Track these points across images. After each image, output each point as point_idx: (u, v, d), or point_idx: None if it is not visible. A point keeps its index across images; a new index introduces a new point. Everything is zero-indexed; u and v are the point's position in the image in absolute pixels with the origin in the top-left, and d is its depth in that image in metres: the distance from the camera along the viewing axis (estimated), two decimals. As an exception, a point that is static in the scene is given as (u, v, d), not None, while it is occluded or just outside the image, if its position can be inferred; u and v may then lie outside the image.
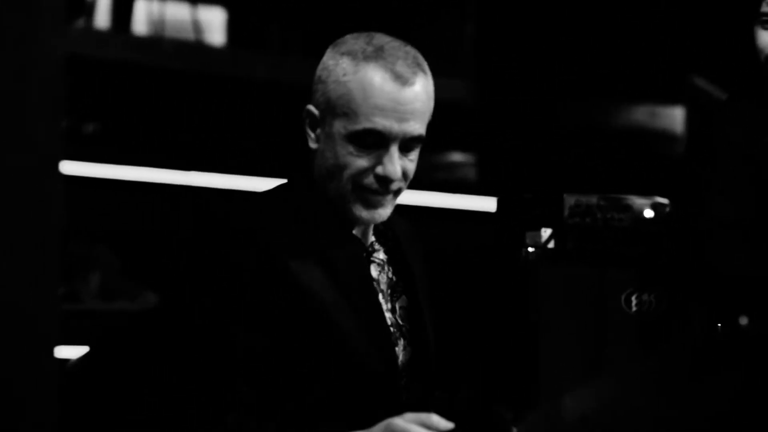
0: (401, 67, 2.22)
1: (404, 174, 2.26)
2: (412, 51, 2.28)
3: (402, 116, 2.21)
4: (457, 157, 4.86)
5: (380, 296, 2.33)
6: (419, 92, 2.24)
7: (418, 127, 2.24)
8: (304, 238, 2.24)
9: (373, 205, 2.27)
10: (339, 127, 2.23)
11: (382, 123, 2.21)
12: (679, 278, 3.44)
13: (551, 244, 3.66)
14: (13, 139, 1.37)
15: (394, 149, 2.23)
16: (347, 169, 2.24)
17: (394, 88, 2.21)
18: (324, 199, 2.28)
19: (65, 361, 2.34)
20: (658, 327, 3.51)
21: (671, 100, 5.07)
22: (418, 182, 4.65)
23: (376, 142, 2.22)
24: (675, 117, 5.08)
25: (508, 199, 4.12)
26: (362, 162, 2.23)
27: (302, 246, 2.22)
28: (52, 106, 1.40)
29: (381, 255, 2.38)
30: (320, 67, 2.30)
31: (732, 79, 3.44)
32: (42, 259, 1.38)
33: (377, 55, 2.23)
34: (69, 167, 4.00)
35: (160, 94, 4.35)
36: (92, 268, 4.00)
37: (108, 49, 4.52)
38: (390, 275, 2.38)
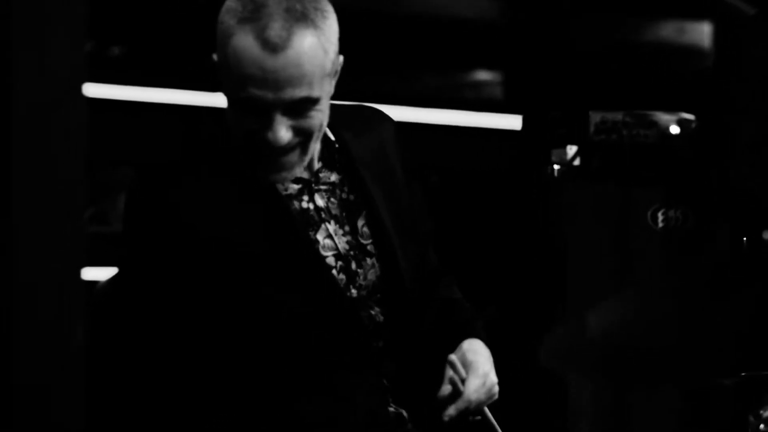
0: (274, 30, 2.09)
1: (301, 132, 2.17)
2: (299, 2, 2.13)
3: (276, 84, 2.11)
4: (482, 75, 4.84)
5: (331, 223, 2.28)
6: (294, 56, 2.10)
7: (299, 91, 2.12)
8: (222, 197, 2.21)
9: (273, 167, 2.21)
10: (225, 88, 2.18)
11: (255, 92, 2.11)
12: (704, 194, 3.43)
13: (577, 162, 3.66)
14: (35, 62, 1.38)
15: (277, 116, 2.13)
16: (239, 130, 2.19)
17: (262, 56, 2.10)
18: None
19: (94, 282, 2.36)
20: (684, 243, 3.51)
21: (699, 16, 5.02)
22: (443, 101, 4.65)
23: (257, 107, 2.13)
24: (703, 33, 5.04)
25: (534, 117, 4.12)
26: (249, 125, 2.16)
27: (221, 206, 2.20)
28: (75, 28, 1.41)
29: (332, 178, 2.32)
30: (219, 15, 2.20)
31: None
32: (67, 182, 1.39)
33: (252, 16, 2.11)
34: (94, 90, 4.00)
35: (185, 16, 4.35)
36: (119, 191, 4.02)
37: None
38: (345, 196, 2.33)
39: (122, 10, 4.20)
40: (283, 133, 2.14)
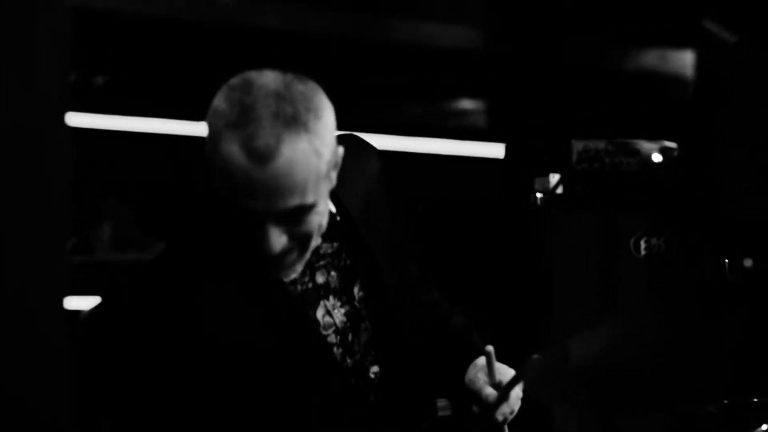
0: (261, 139, 1.94)
1: (296, 237, 2.06)
2: (290, 104, 1.98)
3: (266, 195, 1.97)
4: (465, 104, 4.85)
5: (329, 298, 2.23)
6: (284, 166, 1.95)
7: (291, 200, 1.98)
8: (223, 288, 2.12)
9: (272, 267, 2.12)
10: (216, 187, 2.03)
11: (244, 203, 1.98)
12: (688, 222, 3.44)
13: (560, 190, 3.67)
14: (20, 91, 1.38)
15: (269, 225, 2.01)
16: (233, 231, 2.07)
17: (249, 167, 1.94)
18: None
19: (77, 312, 2.36)
20: (668, 271, 3.52)
21: (681, 44, 5.05)
22: (427, 129, 4.66)
23: (248, 216, 2.01)
24: (685, 61, 5.06)
25: (517, 146, 4.13)
26: (244, 230, 2.04)
27: (224, 300, 2.11)
28: (60, 58, 1.41)
29: (330, 249, 2.24)
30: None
31: (742, 23, 3.42)
32: (51, 211, 1.39)
33: (239, 121, 1.95)
34: (80, 119, 4.00)
35: (169, 46, 4.35)
36: (104, 219, 4.02)
37: (117, 1, 4.51)
38: (343, 263, 2.26)
39: (106, 39, 4.20)
40: (276, 242, 2.03)
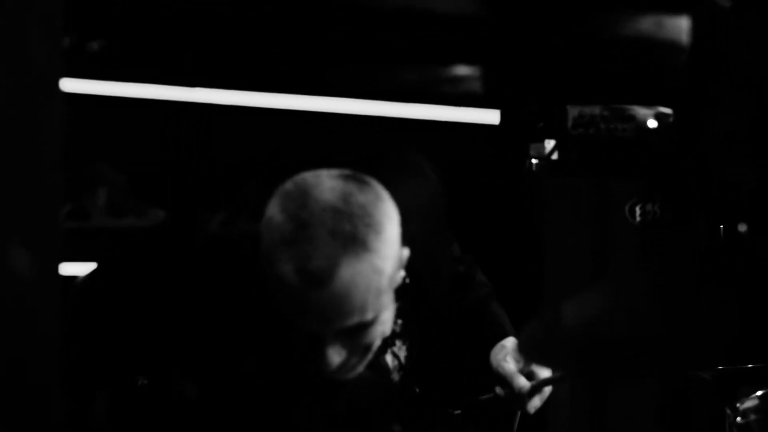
0: (317, 261, 1.80)
1: (357, 349, 1.94)
2: (349, 221, 1.83)
3: (322, 317, 1.86)
4: (461, 70, 4.84)
5: (396, 343, 2.18)
6: (341, 288, 1.82)
7: (350, 320, 1.87)
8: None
9: (337, 373, 1.97)
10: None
11: (302, 323, 1.88)
12: (681, 187, 3.45)
13: (555, 156, 3.67)
14: (12, 57, 1.38)
15: (327, 344, 1.90)
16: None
17: (304, 290, 1.82)
18: None
19: (72, 278, 2.36)
20: (662, 236, 3.52)
21: (677, 10, 5.04)
22: (421, 95, 4.65)
23: (304, 333, 1.91)
24: (681, 27, 5.05)
25: (512, 112, 4.13)
26: (303, 344, 1.93)
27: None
28: (52, 23, 1.41)
29: (397, 328, 2.16)
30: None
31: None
32: (45, 178, 1.39)
33: (294, 238, 1.82)
34: (74, 85, 4.00)
35: (166, 10, 4.34)
36: (99, 185, 4.02)
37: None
38: (406, 303, 2.15)
39: (100, 4, 4.19)
40: (335, 359, 1.91)
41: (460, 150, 4.64)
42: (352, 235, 1.83)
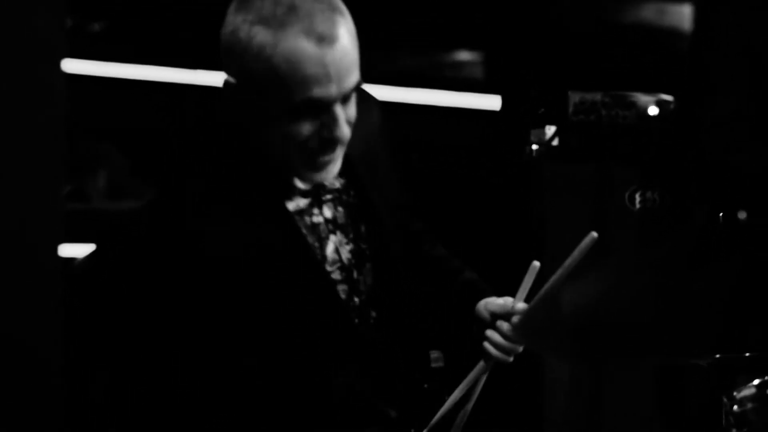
0: (321, 24, 2.06)
1: (350, 122, 2.16)
2: None
3: (338, 77, 2.08)
4: (462, 55, 4.84)
5: (337, 233, 2.27)
6: (346, 43, 2.10)
7: (353, 78, 2.12)
8: (232, 217, 2.15)
9: (322, 167, 2.16)
10: (271, 103, 2.10)
11: (319, 92, 2.07)
12: (681, 175, 3.45)
13: (555, 142, 3.67)
14: (16, 37, 1.38)
15: (338, 109, 2.11)
16: (290, 141, 2.11)
17: (321, 52, 2.05)
18: (251, 161, 2.19)
19: (72, 259, 2.36)
20: (661, 224, 3.53)
21: (679, -3, 5.03)
22: (423, 80, 4.64)
23: (315, 107, 2.08)
24: (683, 14, 5.05)
25: (513, 97, 4.12)
26: (304, 130, 2.11)
27: (232, 227, 2.14)
28: (56, 3, 1.41)
29: (336, 184, 2.29)
30: (227, 33, 2.13)
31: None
32: (46, 159, 1.39)
33: (291, 16, 2.06)
34: (77, 66, 3.99)
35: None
36: (99, 167, 4.02)
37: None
38: (349, 200, 2.31)
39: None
40: (345, 126, 2.13)
41: (461, 135, 4.64)
42: (330, 3, 2.09)
